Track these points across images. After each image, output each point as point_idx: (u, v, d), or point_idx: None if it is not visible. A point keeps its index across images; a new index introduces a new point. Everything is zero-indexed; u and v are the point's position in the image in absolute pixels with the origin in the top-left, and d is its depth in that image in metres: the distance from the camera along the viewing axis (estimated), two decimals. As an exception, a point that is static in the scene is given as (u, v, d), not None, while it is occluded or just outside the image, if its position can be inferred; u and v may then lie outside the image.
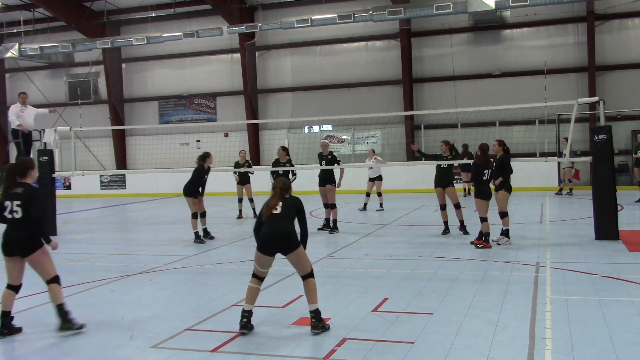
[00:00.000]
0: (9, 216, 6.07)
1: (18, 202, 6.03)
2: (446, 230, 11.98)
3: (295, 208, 6.10)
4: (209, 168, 12.18)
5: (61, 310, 6.10)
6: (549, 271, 8.28)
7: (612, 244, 10.23)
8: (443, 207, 11.99)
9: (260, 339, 5.76)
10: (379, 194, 17.18)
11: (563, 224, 13.08)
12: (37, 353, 5.70)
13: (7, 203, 6.07)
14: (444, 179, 11.97)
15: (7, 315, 6.17)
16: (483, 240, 10.27)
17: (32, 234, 6.04)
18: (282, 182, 6.25)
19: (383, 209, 16.84)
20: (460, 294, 7.24)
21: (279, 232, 5.92)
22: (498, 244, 10.40)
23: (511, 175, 10.68)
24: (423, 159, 14.10)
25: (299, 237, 6.04)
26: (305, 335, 5.83)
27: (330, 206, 12.92)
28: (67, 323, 6.07)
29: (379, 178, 17.23)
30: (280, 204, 6.06)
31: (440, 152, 12.16)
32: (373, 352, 5.30)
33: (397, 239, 12.00)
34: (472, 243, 10.52)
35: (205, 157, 12.04)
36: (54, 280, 6.14)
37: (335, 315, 6.31)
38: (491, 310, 6.44)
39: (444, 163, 12.00)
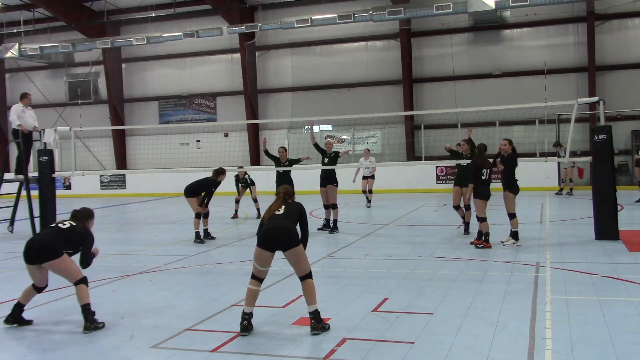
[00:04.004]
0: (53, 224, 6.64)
1: (73, 223, 6.55)
2: (466, 229, 11.83)
3: (298, 212, 6.15)
4: (219, 182, 12.22)
5: (86, 311, 6.18)
6: (549, 271, 8.28)
7: (612, 244, 10.22)
8: (456, 208, 11.92)
9: (260, 339, 5.76)
10: (370, 192, 18.01)
11: (563, 224, 13.08)
12: (36, 352, 5.71)
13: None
14: (463, 178, 11.70)
15: (19, 307, 6.42)
16: (483, 240, 10.26)
17: (56, 242, 6.28)
18: (285, 188, 6.34)
19: (370, 206, 17.67)
20: (460, 294, 7.24)
21: (280, 225, 5.95)
22: (503, 245, 10.38)
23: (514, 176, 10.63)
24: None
25: (299, 237, 6.05)
26: (305, 335, 5.83)
27: (331, 206, 12.90)
28: (92, 323, 6.16)
29: (373, 177, 18.10)
30: (283, 207, 6.14)
31: (460, 151, 11.96)
32: (373, 352, 5.30)
33: (397, 239, 11.99)
34: (472, 243, 10.51)
35: (220, 172, 12.10)
36: (81, 281, 6.26)
37: (335, 315, 6.31)
38: (491, 310, 6.43)
39: (463, 162, 11.78)
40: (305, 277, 5.94)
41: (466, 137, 11.97)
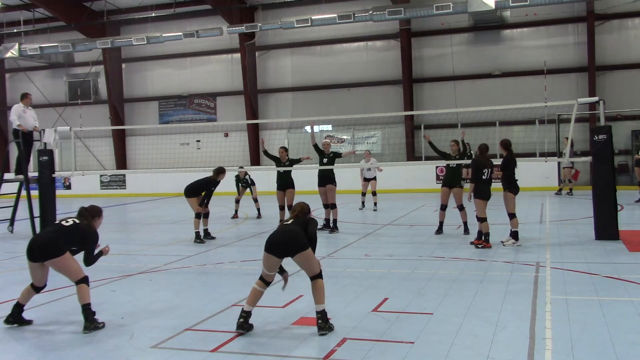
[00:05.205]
0: (57, 221, 6.66)
1: (77, 221, 6.50)
2: (439, 231, 11.97)
3: (305, 222, 6.13)
4: (219, 182, 12.21)
5: (87, 310, 6.18)
6: (549, 271, 8.28)
7: (612, 244, 10.22)
8: (443, 208, 11.97)
9: (260, 338, 5.76)
10: (374, 194, 17.35)
11: (563, 224, 13.08)
12: (36, 352, 5.71)
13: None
14: (452, 179, 11.86)
15: (19, 307, 6.42)
16: (483, 240, 10.26)
17: (58, 239, 6.26)
18: (301, 207, 6.31)
19: (377, 209, 17.00)
20: (460, 294, 7.24)
21: (286, 230, 6.01)
22: (503, 245, 10.38)
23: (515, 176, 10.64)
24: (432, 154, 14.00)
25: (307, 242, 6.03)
26: (305, 335, 5.83)
27: (330, 206, 12.90)
28: (91, 323, 6.16)
29: (374, 178, 17.49)
30: (293, 220, 6.19)
31: (449, 151, 12.03)
32: (373, 352, 5.30)
33: (397, 239, 11.99)
34: (472, 243, 10.51)
35: (220, 171, 12.10)
36: (82, 280, 6.26)
37: (335, 315, 6.30)
38: (491, 310, 6.44)
39: (453, 163, 11.89)
40: (316, 277, 5.95)
41: (460, 138, 12.02)
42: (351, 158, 22.92)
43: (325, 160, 12.98)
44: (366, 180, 17.48)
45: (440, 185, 12.21)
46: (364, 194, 17.52)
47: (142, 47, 25.82)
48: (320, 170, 13.03)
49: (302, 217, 6.21)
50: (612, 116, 20.71)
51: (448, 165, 12.04)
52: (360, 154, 20.31)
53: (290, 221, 6.18)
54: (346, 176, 17.86)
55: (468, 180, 11.17)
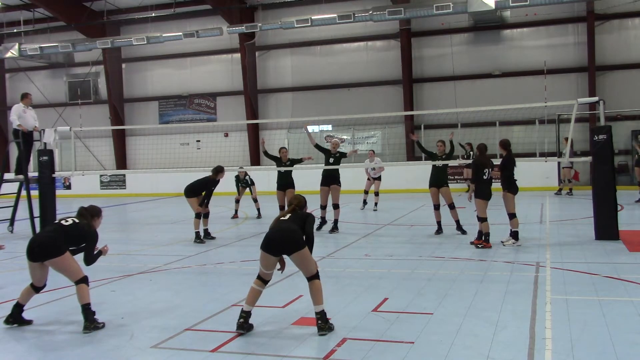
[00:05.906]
0: (57, 220, 6.67)
1: (76, 220, 6.51)
2: (439, 231, 11.97)
3: (302, 219, 6.11)
4: (218, 181, 12.21)
5: (87, 310, 6.18)
6: (549, 271, 8.28)
7: (612, 244, 10.22)
8: (436, 207, 11.99)
9: (261, 339, 5.76)
10: (376, 194, 17.29)
11: (563, 224, 13.08)
12: (36, 352, 5.71)
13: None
14: (438, 179, 11.93)
15: (19, 307, 6.42)
16: (483, 240, 10.26)
17: (58, 239, 6.26)
18: (298, 200, 6.34)
19: (377, 210, 16.94)
20: (460, 294, 7.24)
21: (284, 227, 5.98)
22: (503, 245, 10.38)
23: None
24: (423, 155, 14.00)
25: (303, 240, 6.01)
26: (305, 335, 5.83)
27: (333, 206, 12.85)
28: (91, 323, 6.16)
29: (379, 178, 17.39)
30: (290, 215, 6.17)
31: (436, 151, 12.08)
32: (373, 352, 5.30)
33: (397, 239, 11.99)
34: (472, 243, 10.51)
35: (218, 170, 12.11)
36: (82, 280, 6.26)
37: (335, 315, 6.30)
38: (491, 310, 6.44)
39: (439, 163, 11.94)
40: (313, 277, 5.93)
41: (449, 138, 12.05)
42: (351, 158, 22.93)
43: (331, 160, 12.91)
44: (370, 179, 17.41)
45: (452, 184, 12.20)
46: (366, 192, 17.41)
47: (142, 47, 25.81)
48: (325, 170, 12.96)
49: (299, 212, 6.21)
50: (612, 116, 20.72)
51: (434, 165, 12.07)
52: (363, 154, 20.32)
53: (287, 216, 6.15)
54: (347, 176, 17.81)
55: (469, 180, 11.19)
